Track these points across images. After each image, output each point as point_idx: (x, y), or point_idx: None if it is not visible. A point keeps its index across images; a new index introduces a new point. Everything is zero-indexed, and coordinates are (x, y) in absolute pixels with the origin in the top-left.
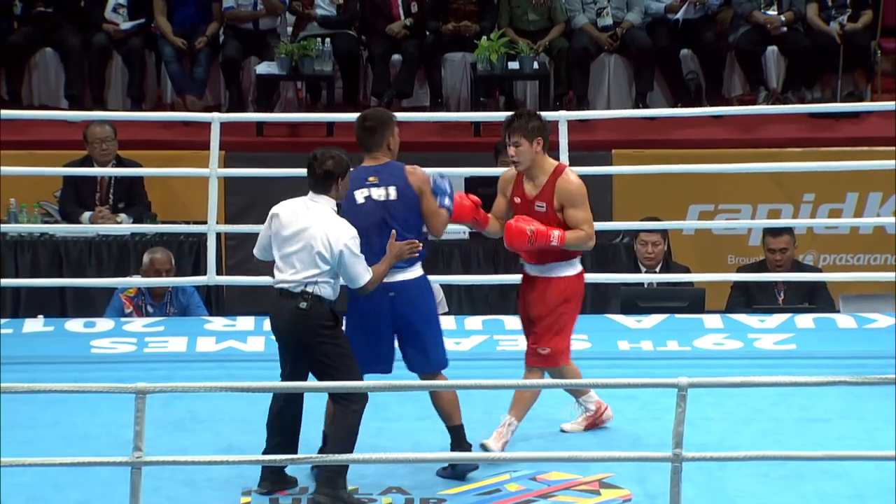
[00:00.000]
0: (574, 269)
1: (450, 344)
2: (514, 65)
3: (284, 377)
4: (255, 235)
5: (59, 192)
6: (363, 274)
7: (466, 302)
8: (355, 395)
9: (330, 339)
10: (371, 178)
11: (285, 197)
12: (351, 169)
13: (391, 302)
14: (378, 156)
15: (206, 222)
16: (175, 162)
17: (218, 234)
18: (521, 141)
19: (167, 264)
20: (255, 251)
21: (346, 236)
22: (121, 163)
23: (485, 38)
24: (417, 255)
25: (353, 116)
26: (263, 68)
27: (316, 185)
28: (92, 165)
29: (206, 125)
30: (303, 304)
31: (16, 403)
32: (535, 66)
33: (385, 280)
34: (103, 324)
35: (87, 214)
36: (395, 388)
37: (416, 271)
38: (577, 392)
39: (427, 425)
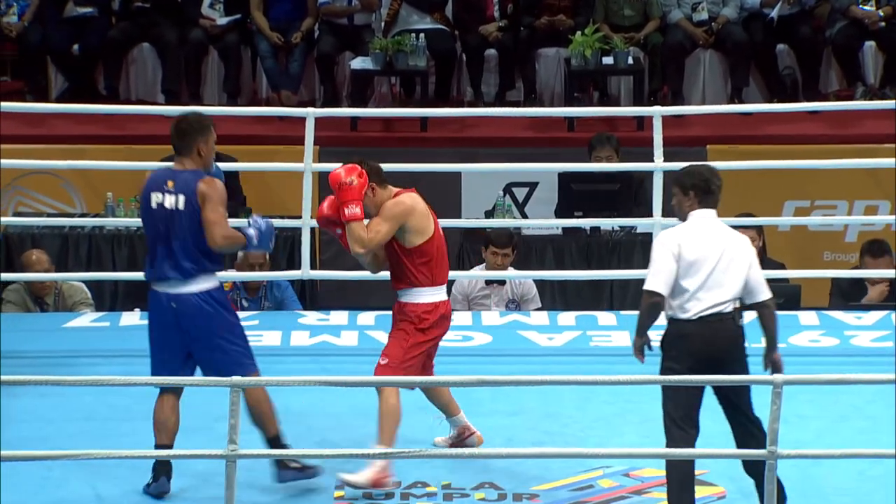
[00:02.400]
0: (426, 297)
1: (542, 339)
2: (608, 60)
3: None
4: None
5: None
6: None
7: (559, 297)
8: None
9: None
10: (168, 183)
11: None
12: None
13: (174, 314)
14: (185, 161)
15: (300, 217)
16: (270, 157)
17: (312, 229)
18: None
19: (261, 259)
20: (663, 290)
21: (747, 242)
22: (217, 157)
23: (579, 33)
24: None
25: (447, 112)
26: (358, 63)
27: (710, 200)
28: None
29: (301, 120)
30: (741, 321)
31: (113, 396)
32: (630, 61)
33: (168, 290)
34: None
35: None
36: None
37: (198, 283)
38: (382, 439)
39: (519, 421)
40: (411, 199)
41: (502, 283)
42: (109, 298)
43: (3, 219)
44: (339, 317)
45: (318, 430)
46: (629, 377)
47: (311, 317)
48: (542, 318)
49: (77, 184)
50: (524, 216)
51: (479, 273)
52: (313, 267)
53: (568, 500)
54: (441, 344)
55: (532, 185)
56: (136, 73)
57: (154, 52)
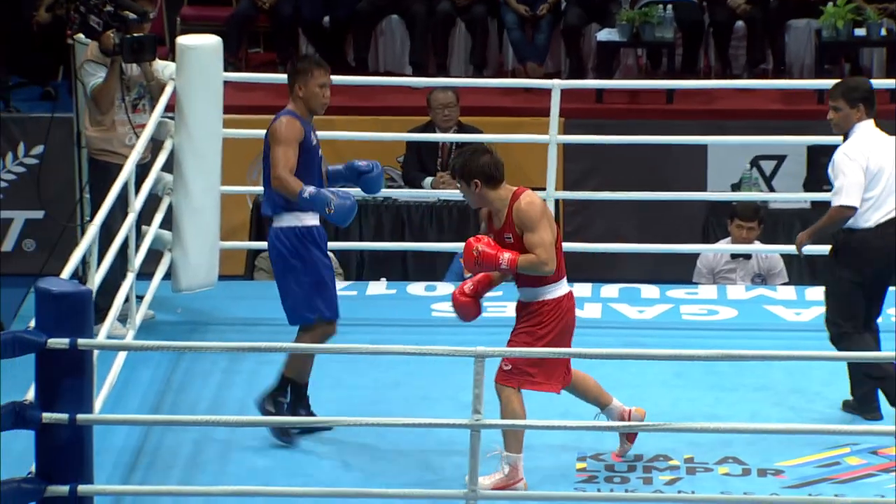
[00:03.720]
0: (552, 293)
1: (789, 314)
2: (860, 31)
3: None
4: (593, 202)
5: (402, 158)
6: None
7: (807, 272)
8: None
9: None
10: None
11: (624, 164)
12: None
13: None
14: (289, 101)
15: (544, 188)
16: (515, 128)
17: (556, 201)
18: (462, 184)
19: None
20: (858, 203)
21: None
22: (462, 129)
23: (831, 3)
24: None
25: (694, 84)
26: (604, 35)
27: (874, 111)
28: (434, 131)
29: (547, 92)
30: None
31: (360, 364)
32: (883, 32)
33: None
34: (444, 287)
35: (428, 179)
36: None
37: (281, 219)
38: (508, 444)
39: (765, 396)
40: (537, 196)
41: (748, 256)
42: (356, 268)
43: (255, 188)
44: (582, 289)
45: (561, 401)
46: (880, 354)
47: None
48: (788, 292)
49: (325, 154)
50: (771, 189)
51: (725, 247)
52: None
53: (814, 476)
54: (685, 318)
55: (780, 159)
56: (384, 44)
57: (402, 24)
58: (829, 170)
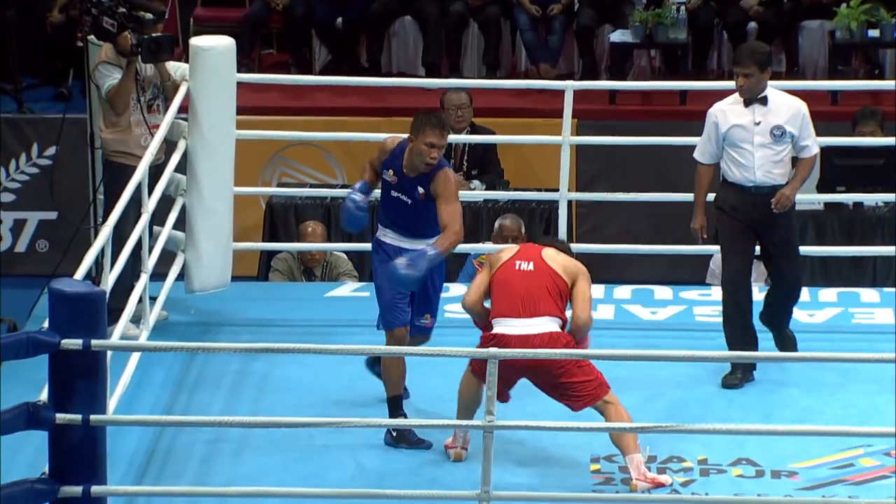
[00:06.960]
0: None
1: (803, 316)
2: (874, 33)
3: None
4: (606, 204)
5: None
6: None
7: (820, 273)
8: None
9: None
10: None
11: (637, 165)
12: None
13: None
14: None
15: (557, 190)
16: (528, 129)
17: (569, 202)
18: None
19: (516, 231)
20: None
21: None
22: (475, 130)
23: (844, 5)
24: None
25: (708, 85)
26: (617, 36)
27: None
28: None
29: (560, 93)
30: None
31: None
32: None
33: None
34: (456, 289)
35: None
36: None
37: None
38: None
39: (777, 398)
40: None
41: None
42: (369, 269)
43: (267, 189)
44: (595, 290)
45: None
46: (882, 355)
47: None
48: (802, 294)
49: (338, 155)
50: None
51: None
52: (570, 240)
53: (828, 478)
54: (699, 319)
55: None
56: (397, 45)
57: (415, 25)
58: (789, 126)
